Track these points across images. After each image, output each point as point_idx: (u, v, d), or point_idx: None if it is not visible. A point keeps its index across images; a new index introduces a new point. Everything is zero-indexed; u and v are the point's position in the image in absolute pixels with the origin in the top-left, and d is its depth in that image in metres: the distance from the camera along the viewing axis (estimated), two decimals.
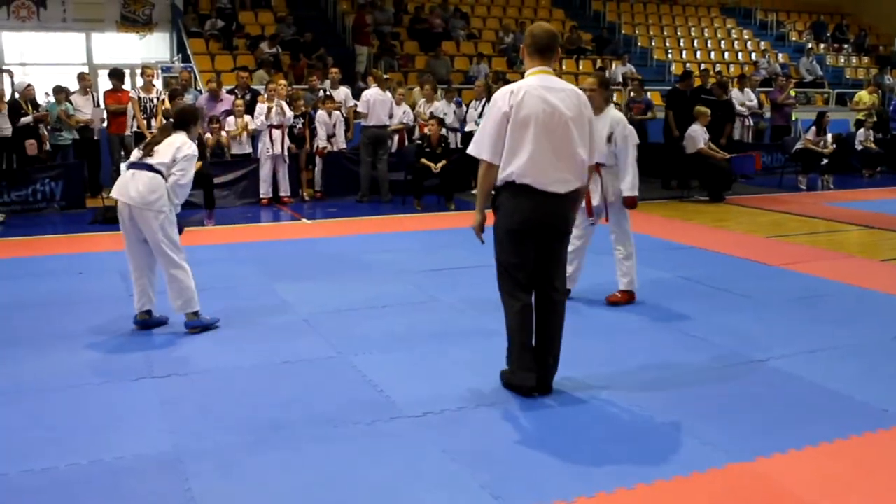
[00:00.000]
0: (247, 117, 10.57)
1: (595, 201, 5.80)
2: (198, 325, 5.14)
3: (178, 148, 5.07)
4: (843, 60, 21.59)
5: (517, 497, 3.08)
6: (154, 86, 11.00)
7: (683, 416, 3.82)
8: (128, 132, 10.92)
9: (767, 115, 15.15)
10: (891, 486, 3.21)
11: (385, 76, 11.97)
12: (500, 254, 3.99)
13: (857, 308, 5.75)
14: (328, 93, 11.55)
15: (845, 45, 22.23)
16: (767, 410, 3.91)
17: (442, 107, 11.77)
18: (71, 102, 10.89)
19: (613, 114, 5.69)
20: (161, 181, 4.99)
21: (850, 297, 6.05)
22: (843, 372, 4.42)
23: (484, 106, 11.06)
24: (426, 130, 10.73)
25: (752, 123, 14.51)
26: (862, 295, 6.09)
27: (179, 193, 5.09)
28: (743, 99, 14.25)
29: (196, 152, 5.24)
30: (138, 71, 11.27)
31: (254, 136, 10.74)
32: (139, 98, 10.69)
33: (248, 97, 11.06)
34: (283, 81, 11.30)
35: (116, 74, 11.17)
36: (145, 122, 10.64)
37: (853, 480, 3.24)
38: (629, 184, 5.61)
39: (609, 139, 5.61)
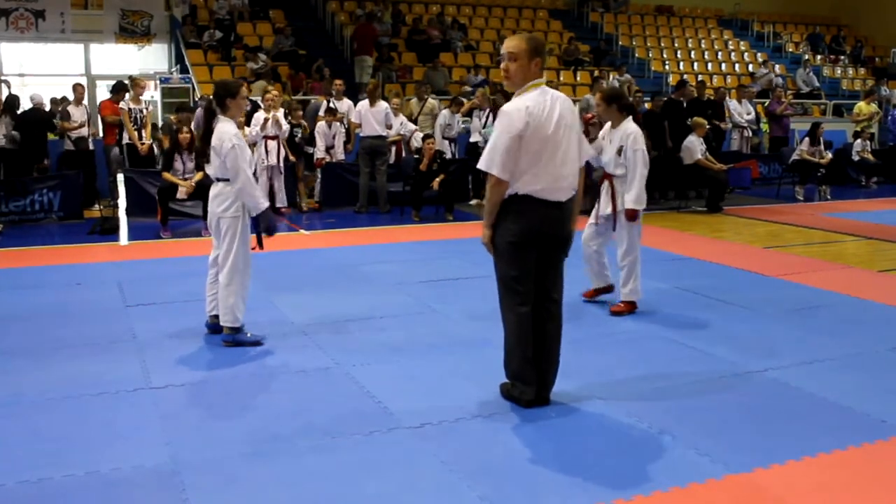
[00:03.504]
0: (247, 129, 10.57)
1: (607, 210, 5.84)
2: (230, 340, 5.07)
3: (220, 142, 4.84)
4: (839, 71, 21.70)
5: None
6: (141, 99, 10.93)
7: (682, 427, 3.82)
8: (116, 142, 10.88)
9: (765, 126, 15.19)
10: (890, 497, 3.21)
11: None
12: (501, 267, 3.98)
13: (854, 319, 5.75)
14: (332, 104, 11.52)
15: (842, 57, 22.34)
16: (766, 422, 3.90)
17: (431, 119, 11.73)
18: (68, 112, 10.95)
19: (627, 127, 5.72)
20: (223, 189, 4.96)
21: (847, 307, 6.06)
22: (841, 383, 4.42)
23: (488, 116, 11.07)
24: (426, 147, 10.62)
25: (750, 134, 14.56)
26: (859, 305, 6.10)
27: (245, 197, 4.88)
28: (742, 111, 14.29)
29: (236, 140, 4.84)
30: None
31: (252, 146, 10.73)
32: (129, 109, 10.65)
33: (248, 107, 11.06)
34: (275, 91, 11.29)
35: (121, 87, 11.16)
36: (136, 133, 10.60)
37: (852, 492, 3.23)
38: (633, 196, 5.66)
39: (619, 152, 5.66)
